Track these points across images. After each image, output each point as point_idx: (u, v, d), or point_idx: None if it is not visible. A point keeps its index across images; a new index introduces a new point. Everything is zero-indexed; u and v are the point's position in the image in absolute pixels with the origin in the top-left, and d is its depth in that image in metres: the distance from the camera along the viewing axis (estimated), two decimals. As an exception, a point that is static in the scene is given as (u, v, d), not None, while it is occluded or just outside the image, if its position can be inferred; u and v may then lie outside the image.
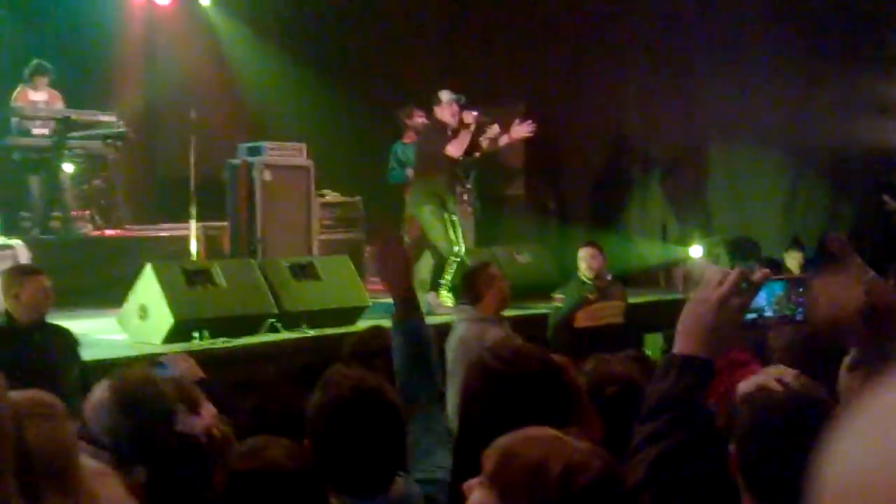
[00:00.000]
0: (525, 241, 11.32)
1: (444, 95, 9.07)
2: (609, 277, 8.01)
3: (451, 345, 5.79)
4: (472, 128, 9.19)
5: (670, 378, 1.87)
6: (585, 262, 7.77)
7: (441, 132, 8.98)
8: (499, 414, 2.21)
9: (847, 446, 0.73)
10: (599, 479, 1.59)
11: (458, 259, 8.77)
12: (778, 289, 1.98)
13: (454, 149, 8.84)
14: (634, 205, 12.47)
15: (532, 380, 2.36)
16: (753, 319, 1.96)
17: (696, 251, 11.28)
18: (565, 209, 12.70)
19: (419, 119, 10.38)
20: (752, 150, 11.49)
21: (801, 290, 2.03)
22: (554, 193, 12.86)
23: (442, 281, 8.78)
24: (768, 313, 1.98)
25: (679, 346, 1.90)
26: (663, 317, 8.44)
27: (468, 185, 11.05)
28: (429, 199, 8.78)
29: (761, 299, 1.95)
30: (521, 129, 9.50)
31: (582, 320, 7.63)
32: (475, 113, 9.30)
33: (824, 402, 2.16)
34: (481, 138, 10.01)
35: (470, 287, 6.19)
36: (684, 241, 11.63)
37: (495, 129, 10.12)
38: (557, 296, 7.94)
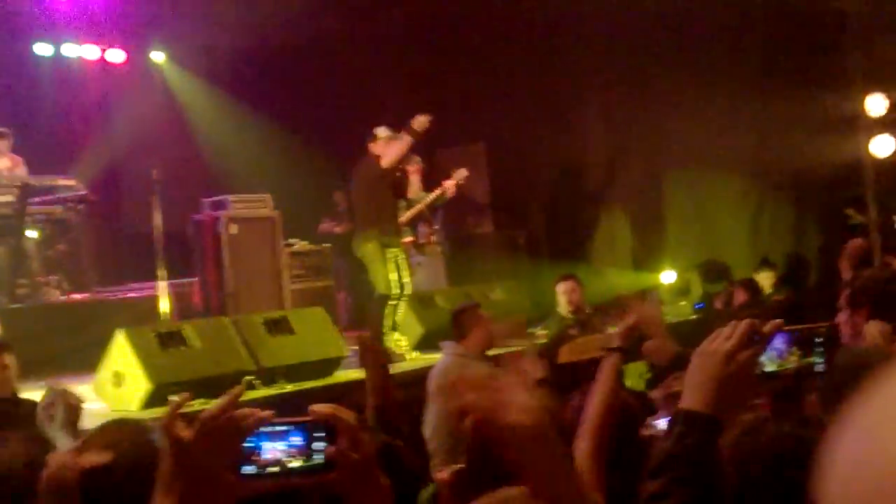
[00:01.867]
0: (497, 277, 11.31)
1: (382, 132, 8.99)
2: (588, 310, 8.00)
3: (433, 373, 6.04)
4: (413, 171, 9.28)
5: (674, 435, 1.80)
6: (566, 296, 7.76)
7: (376, 169, 8.92)
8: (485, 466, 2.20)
9: (846, 448, 0.72)
10: None
11: (399, 300, 8.70)
12: (792, 339, 1.87)
13: (386, 160, 8.66)
14: (603, 234, 12.53)
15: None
16: (770, 372, 1.86)
17: (667, 277, 11.35)
18: (534, 243, 12.72)
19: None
20: (715, 173, 11.60)
21: (818, 339, 1.92)
22: (522, 228, 12.88)
23: (389, 325, 8.69)
24: (769, 368, 1.87)
25: (685, 402, 1.81)
26: (640, 345, 8.46)
27: (436, 226, 11.04)
28: (371, 238, 8.71)
29: (778, 349, 1.85)
30: (458, 175, 9.69)
31: (565, 356, 7.60)
32: (417, 157, 9.37)
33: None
34: (451, 181, 10.08)
35: (457, 324, 6.36)
36: (655, 268, 11.69)
37: (462, 172, 10.20)
38: (540, 332, 7.91)
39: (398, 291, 8.62)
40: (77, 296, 10.63)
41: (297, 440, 1.40)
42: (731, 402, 1.80)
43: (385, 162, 8.63)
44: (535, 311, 9.47)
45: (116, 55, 13.62)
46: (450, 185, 10.17)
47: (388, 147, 8.76)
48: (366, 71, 13.33)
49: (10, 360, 5.27)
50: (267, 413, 1.41)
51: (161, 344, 6.92)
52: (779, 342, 1.86)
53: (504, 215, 12.85)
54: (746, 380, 1.79)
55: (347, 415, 1.45)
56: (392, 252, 8.71)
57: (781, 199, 11.47)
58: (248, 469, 1.39)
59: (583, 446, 2.92)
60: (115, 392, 6.80)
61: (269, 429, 1.40)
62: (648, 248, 12.16)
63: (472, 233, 12.70)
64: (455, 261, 11.94)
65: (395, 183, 9.05)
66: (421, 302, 9.73)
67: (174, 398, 1.44)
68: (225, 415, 1.39)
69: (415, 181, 9.45)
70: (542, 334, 7.97)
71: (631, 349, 3.19)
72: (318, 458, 1.40)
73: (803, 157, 10.78)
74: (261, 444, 1.39)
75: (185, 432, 1.38)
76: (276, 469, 1.40)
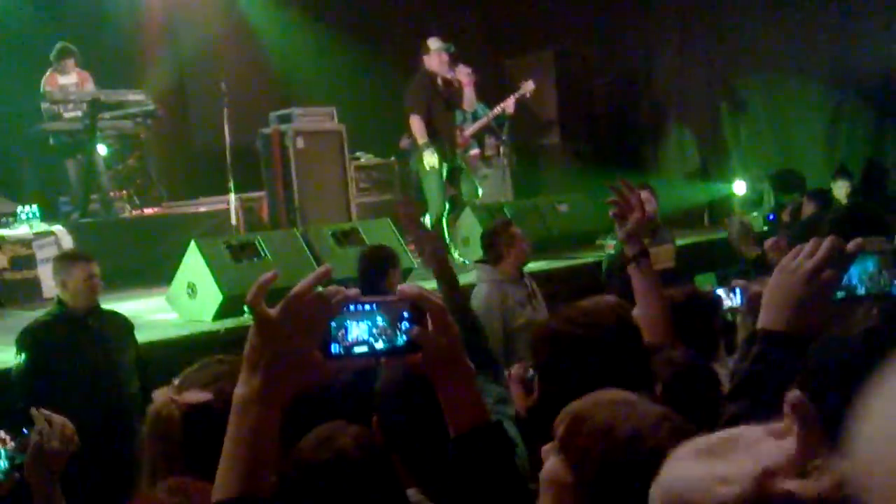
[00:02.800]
0: (564, 189, 11.21)
1: (434, 44, 8.97)
2: (659, 221, 7.86)
3: (475, 306, 5.77)
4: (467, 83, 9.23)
5: (752, 356, 1.72)
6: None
7: (430, 83, 8.89)
8: (577, 379, 2.15)
9: (877, 413, 0.73)
10: (668, 441, 1.52)
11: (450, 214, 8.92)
12: (870, 264, 1.74)
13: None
14: (672, 144, 12.29)
15: (611, 339, 2.29)
16: (844, 297, 1.73)
17: (739, 187, 11.13)
18: (602, 155, 12.52)
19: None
20: (791, 80, 11.27)
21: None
22: (590, 140, 12.67)
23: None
24: (860, 290, 1.73)
25: (763, 321, 1.73)
26: (711, 257, 8.36)
27: (503, 138, 10.92)
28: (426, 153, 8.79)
29: (853, 275, 1.72)
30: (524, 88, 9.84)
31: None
32: (469, 69, 9.29)
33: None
34: (515, 94, 9.98)
35: (490, 246, 6.12)
36: (726, 178, 11.48)
37: (528, 85, 10.07)
38: (609, 242, 7.79)
39: (445, 208, 8.81)
40: (148, 210, 10.77)
41: (381, 320, 1.40)
42: (811, 321, 1.70)
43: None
44: (603, 223, 9.36)
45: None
46: (510, 103, 10.04)
47: (437, 64, 8.86)
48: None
49: (97, 269, 5.36)
50: (353, 291, 1.39)
51: (233, 255, 6.99)
52: (856, 268, 1.72)
53: (572, 126, 12.64)
54: (825, 301, 1.70)
55: (435, 297, 1.44)
56: (447, 166, 8.69)
57: (861, 107, 11.11)
58: (335, 348, 1.38)
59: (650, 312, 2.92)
60: (188, 303, 6.90)
61: (355, 309, 1.39)
62: (719, 158, 11.92)
63: (539, 144, 12.52)
64: (522, 172, 11.85)
65: (448, 96, 9.01)
66: (489, 213, 9.67)
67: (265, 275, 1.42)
68: (311, 293, 1.37)
69: (468, 93, 9.36)
70: (610, 245, 7.85)
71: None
72: (403, 339, 1.41)
73: (885, 63, 10.41)
74: (347, 323, 1.38)
75: (272, 310, 1.36)
76: (362, 349, 1.39)
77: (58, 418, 2.61)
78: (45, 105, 10.21)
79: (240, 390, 1.39)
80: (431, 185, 8.81)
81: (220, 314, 6.69)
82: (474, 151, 10.36)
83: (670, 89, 12.30)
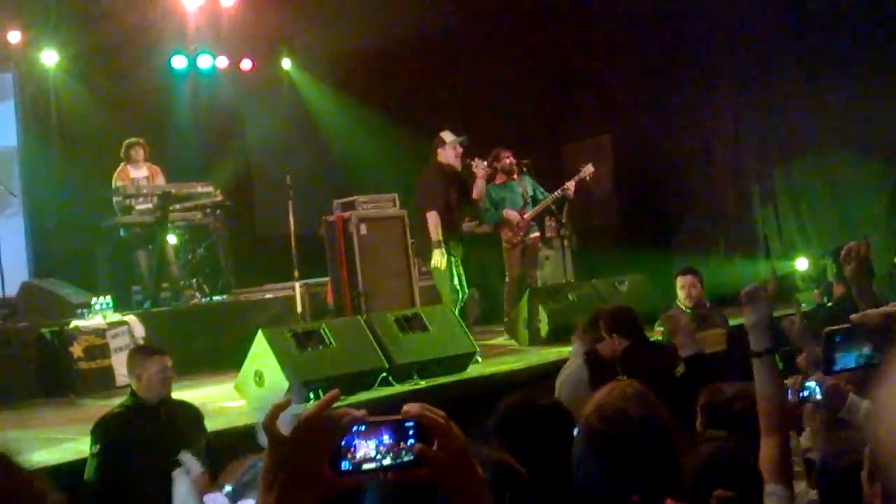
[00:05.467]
0: (624, 270, 11.24)
1: (448, 137, 9.24)
2: (708, 305, 7.81)
3: (563, 376, 5.99)
4: (481, 175, 9.49)
5: None
6: (684, 290, 7.60)
7: (445, 175, 9.11)
8: (604, 474, 2.22)
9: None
10: None
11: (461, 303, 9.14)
12: None
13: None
14: (732, 223, 12.29)
15: (633, 442, 2.33)
16: None
17: (801, 264, 11.09)
18: (661, 234, 12.57)
19: (507, 160, 10.45)
20: (848, 156, 11.27)
21: None
22: (648, 219, 12.73)
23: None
24: None
25: None
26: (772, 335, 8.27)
27: (563, 220, 11.04)
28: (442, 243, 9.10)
29: None
30: (584, 171, 10.12)
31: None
32: (484, 162, 9.56)
33: None
34: (576, 178, 10.15)
35: (593, 326, 6.23)
36: (788, 256, 11.44)
37: (589, 168, 10.23)
38: (657, 328, 7.78)
39: (462, 293, 9.18)
40: (216, 298, 11.02)
41: (387, 438, 1.48)
42: None
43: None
44: (664, 304, 9.36)
45: (246, 64, 14.06)
46: (570, 186, 10.20)
47: (453, 157, 9.25)
48: (489, 69, 13.39)
49: (170, 362, 5.53)
50: (361, 412, 1.49)
51: (298, 343, 7.14)
52: None
53: (630, 207, 12.73)
54: None
55: (436, 413, 1.51)
56: (454, 258, 9.17)
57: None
58: (345, 465, 1.47)
59: (771, 444, 2.93)
60: (256, 391, 7.05)
61: (364, 428, 1.48)
62: (781, 236, 11.89)
63: (598, 225, 12.61)
64: (582, 254, 11.92)
65: (462, 187, 9.34)
66: (550, 295, 9.78)
67: (278, 401, 1.54)
68: (322, 414, 1.47)
69: (480, 185, 9.63)
70: (659, 330, 7.84)
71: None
72: (409, 455, 1.48)
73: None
74: (354, 441, 1.48)
75: (284, 431, 1.48)
76: (371, 466, 1.48)
77: None
78: (116, 199, 10.59)
79: None
80: (444, 280, 9.07)
81: (287, 402, 6.81)
82: (535, 234, 10.49)
83: (727, 170, 12.35)
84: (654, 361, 5.88)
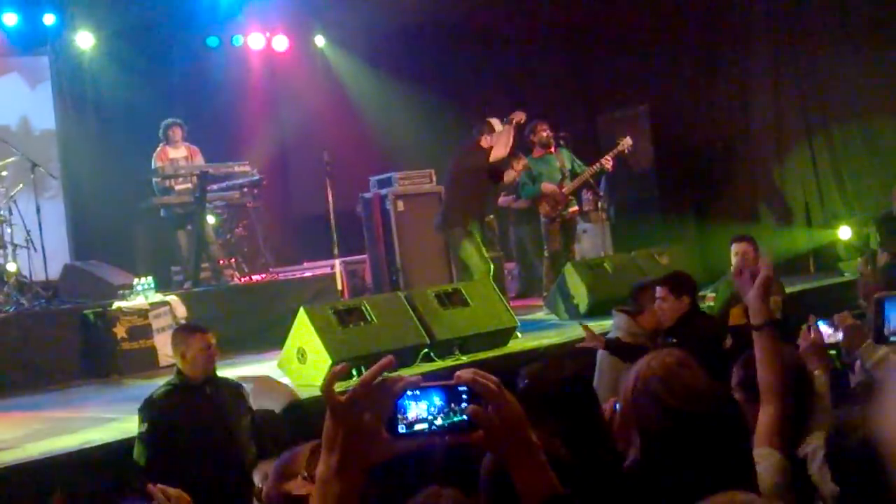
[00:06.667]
0: (664, 241, 11.17)
1: (497, 125, 9.20)
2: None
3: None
4: (517, 170, 9.49)
5: None
6: (739, 256, 7.52)
7: (482, 159, 9.14)
8: (675, 449, 2.18)
9: None
10: None
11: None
12: None
13: (498, 151, 9.13)
14: (773, 193, 12.13)
15: (708, 420, 2.28)
16: None
17: (844, 233, 10.95)
18: (701, 206, 12.44)
19: (544, 133, 10.40)
20: (889, 122, 11.08)
21: None
22: (688, 191, 12.60)
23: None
24: None
25: None
26: (820, 304, 8.19)
27: (601, 193, 10.97)
28: (467, 225, 9.07)
29: None
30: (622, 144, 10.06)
31: (737, 318, 7.44)
32: (525, 161, 9.59)
33: None
34: (614, 151, 10.07)
35: (636, 297, 6.30)
36: (830, 225, 11.29)
37: (628, 141, 10.14)
38: (709, 294, 7.73)
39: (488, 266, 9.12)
40: (255, 277, 11.07)
41: (439, 400, 1.53)
42: None
43: (497, 154, 9.10)
44: (705, 275, 9.28)
45: (281, 42, 14.06)
46: (608, 160, 10.12)
47: (498, 139, 9.10)
48: (525, 41, 13.28)
49: (213, 340, 5.56)
50: (415, 378, 1.53)
51: (340, 320, 7.14)
52: None
53: (669, 179, 12.60)
54: None
55: (488, 379, 1.55)
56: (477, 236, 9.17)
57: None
58: (400, 427, 1.52)
59: (769, 411, 2.89)
60: (299, 368, 7.08)
61: (416, 392, 1.53)
62: (823, 204, 11.73)
63: (637, 198, 12.51)
64: (621, 226, 11.86)
65: (493, 172, 9.31)
66: (590, 268, 9.72)
67: (335, 368, 1.57)
68: (376, 379, 1.52)
69: (511, 174, 9.65)
70: (711, 296, 7.80)
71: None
72: (461, 418, 1.53)
73: None
74: (407, 404, 1.52)
75: (343, 396, 1.52)
76: (423, 426, 1.52)
77: (174, 491, 2.75)
78: (155, 180, 10.64)
79: (320, 469, 1.56)
80: (472, 256, 9.09)
81: (330, 378, 6.83)
82: (573, 208, 10.43)
83: (766, 137, 12.17)
84: (707, 330, 5.90)
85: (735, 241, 7.57)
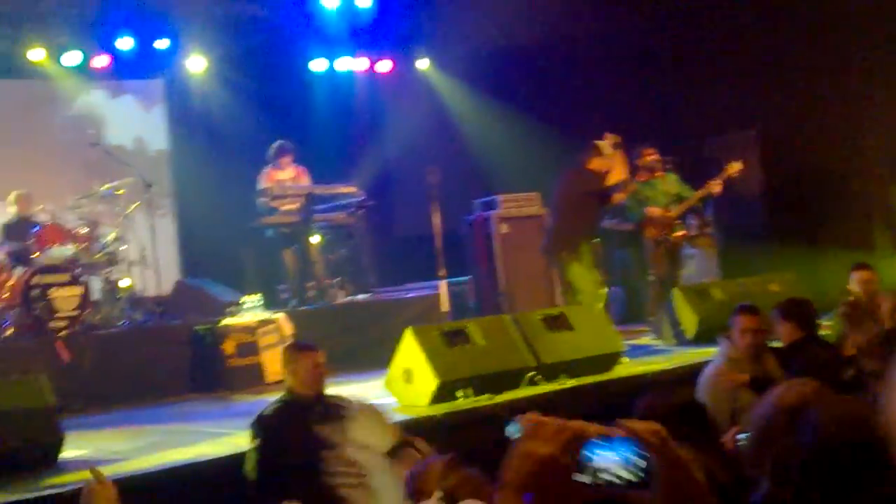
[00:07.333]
0: (773, 268, 10.90)
1: (607, 148, 9.11)
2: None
3: (705, 372, 5.92)
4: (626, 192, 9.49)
5: None
6: (860, 285, 7.31)
7: (591, 183, 9.10)
8: (819, 481, 2.12)
9: None
10: None
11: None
12: None
13: (614, 177, 9.14)
14: (889, 218, 11.77)
15: (856, 451, 2.21)
16: None
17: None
18: (812, 232, 12.12)
19: (650, 157, 10.28)
20: None
21: None
22: (798, 217, 12.29)
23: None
24: None
25: None
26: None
27: (707, 217, 10.79)
28: (576, 246, 9.06)
29: None
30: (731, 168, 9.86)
31: (852, 347, 7.22)
32: (635, 184, 9.67)
33: None
34: (723, 175, 9.89)
35: (731, 325, 6.14)
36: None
37: (736, 165, 9.95)
38: (826, 323, 7.52)
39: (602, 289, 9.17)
40: (359, 297, 11.16)
41: (621, 452, 1.54)
42: None
43: (616, 177, 9.13)
44: (817, 303, 9.04)
45: (384, 66, 14.22)
46: (716, 185, 9.94)
47: (614, 163, 9.10)
48: (633, 63, 13.16)
49: (322, 359, 5.62)
50: (595, 427, 1.57)
51: (446, 342, 7.14)
52: None
53: (778, 204, 12.32)
54: None
55: (654, 429, 1.61)
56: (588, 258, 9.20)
57: None
58: (582, 477, 1.53)
59: None
60: (405, 388, 7.09)
61: (602, 442, 1.55)
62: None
63: (745, 223, 12.26)
64: (728, 252, 11.63)
65: (601, 194, 9.29)
66: (697, 294, 9.55)
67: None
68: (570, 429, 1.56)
69: (617, 197, 9.57)
70: (827, 325, 7.58)
71: None
72: (640, 473, 1.52)
73: None
74: (593, 453, 1.54)
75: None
76: (609, 477, 1.52)
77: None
78: (260, 200, 10.82)
79: None
80: (585, 277, 9.02)
81: (436, 398, 6.84)
82: (680, 232, 10.27)
83: (881, 161, 11.83)
84: (825, 359, 5.72)
85: (856, 268, 7.39)
